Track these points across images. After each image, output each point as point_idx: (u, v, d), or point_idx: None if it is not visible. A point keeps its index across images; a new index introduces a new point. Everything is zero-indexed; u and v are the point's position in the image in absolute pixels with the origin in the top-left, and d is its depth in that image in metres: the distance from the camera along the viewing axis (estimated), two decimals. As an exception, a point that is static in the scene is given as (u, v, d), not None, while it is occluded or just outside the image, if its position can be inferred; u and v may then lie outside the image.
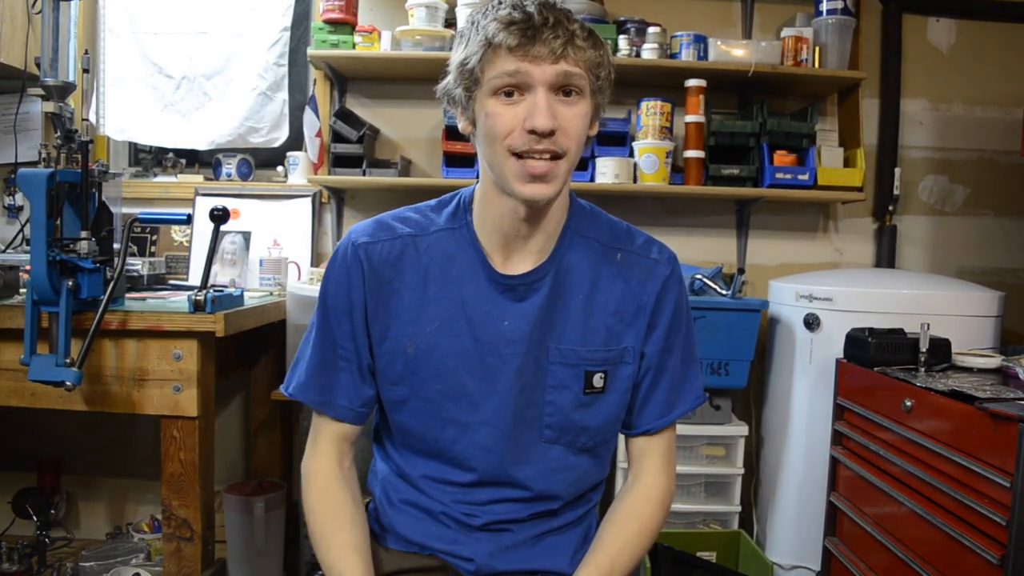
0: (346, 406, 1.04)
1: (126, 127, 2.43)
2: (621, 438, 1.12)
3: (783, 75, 2.25)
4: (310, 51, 2.24)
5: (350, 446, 1.07)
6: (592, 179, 2.27)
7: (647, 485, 1.06)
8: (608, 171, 2.25)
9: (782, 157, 2.27)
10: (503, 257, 1.01)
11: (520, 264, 1.01)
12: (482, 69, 0.91)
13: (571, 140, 0.91)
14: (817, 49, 2.29)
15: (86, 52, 1.61)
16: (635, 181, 2.29)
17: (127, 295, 1.81)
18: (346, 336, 1.03)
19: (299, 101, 2.50)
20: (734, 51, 2.25)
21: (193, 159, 2.57)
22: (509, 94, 0.90)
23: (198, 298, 1.60)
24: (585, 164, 2.26)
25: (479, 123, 0.94)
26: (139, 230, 2.44)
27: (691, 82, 2.27)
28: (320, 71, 2.42)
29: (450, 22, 2.27)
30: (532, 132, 0.88)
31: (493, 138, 0.91)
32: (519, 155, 0.90)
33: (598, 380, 1.02)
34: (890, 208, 2.47)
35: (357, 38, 2.22)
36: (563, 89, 0.90)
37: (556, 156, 0.90)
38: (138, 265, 2.06)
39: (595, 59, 0.92)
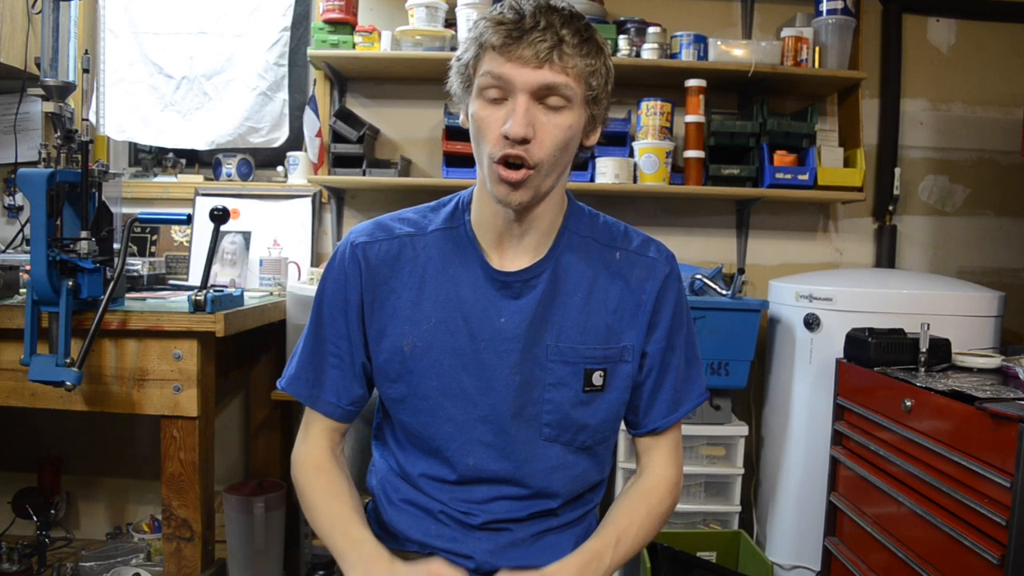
0: (334, 403, 1.06)
1: (126, 127, 2.43)
2: (621, 438, 1.13)
3: (783, 75, 2.25)
4: (310, 51, 2.24)
5: (341, 436, 1.10)
6: (592, 179, 2.27)
7: (656, 474, 1.08)
8: (608, 171, 2.25)
9: (782, 157, 2.27)
10: (499, 255, 1.01)
11: (516, 261, 1.01)
12: (473, 68, 0.92)
13: (544, 151, 0.90)
14: (817, 49, 2.29)
15: (86, 52, 1.61)
16: (635, 181, 2.29)
17: (127, 295, 1.81)
18: (340, 334, 1.04)
19: (299, 101, 2.51)
20: (734, 51, 2.25)
21: (193, 159, 2.57)
22: (495, 98, 0.90)
23: (198, 298, 1.60)
24: (585, 164, 2.26)
25: (469, 122, 0.95)
26: (139, 230, 2.44)
27: (691, 82, 2.27)
28: (320, 71, 2.42)
29: (450, 22, 2.27)
30: (506, 137, 0.89)
31: (478, 138, 0.93)
32: (497, 161, 0.91)
33: (597, 378, 1.02)
34: (890, 208, 2.48)
35: (357, 38, 2.23)
36: (548, 100, 0.90)
37: (528, 166, 0.90)
38: (138, 265, 2.06)
39: (586, 68, 0.90)
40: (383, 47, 2.23)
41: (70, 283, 1.51)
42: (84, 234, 1.55)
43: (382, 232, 1.04)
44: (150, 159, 2.57)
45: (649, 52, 2.25)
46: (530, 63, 0.87)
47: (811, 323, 2.04)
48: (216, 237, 1.67)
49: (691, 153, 2.29)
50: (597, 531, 1.03)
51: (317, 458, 1.06)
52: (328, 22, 2.24)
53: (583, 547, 0.99)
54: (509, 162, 0.90)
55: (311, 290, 1.98)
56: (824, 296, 2.03)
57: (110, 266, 1.62)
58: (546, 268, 1.01)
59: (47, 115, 1.57)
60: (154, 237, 2.46)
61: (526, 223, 0.99)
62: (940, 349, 1.68)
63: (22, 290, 1.73)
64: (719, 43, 2.25)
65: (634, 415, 1.09)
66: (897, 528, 1.58)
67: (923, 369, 1.64)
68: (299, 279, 2.30)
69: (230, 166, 2.49)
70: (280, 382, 1.09)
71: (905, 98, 2.49)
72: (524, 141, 0.88)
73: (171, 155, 2.55)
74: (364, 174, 2.25)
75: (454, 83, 0.97)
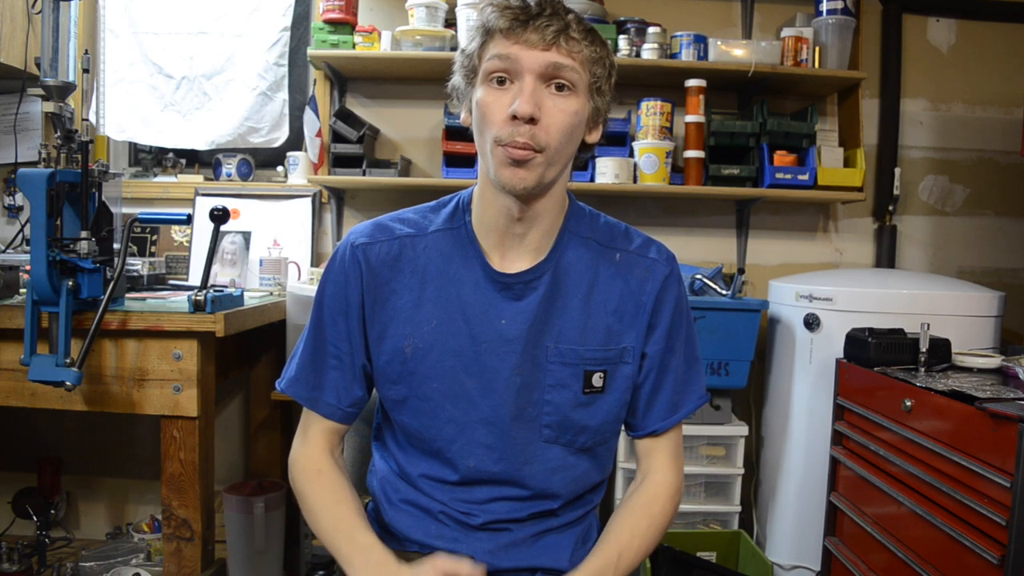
0: (334, 404, 1.05)
1: (126, 127, 2.43)
2: (621, 439, 1.12)
3: (783, 75, 2.25)
4: (310, 51, 2.24)
5: (340, 439, 1.10)
6: (592, 179, 2.27)
7: (656, 482, 1.07)
8: (608, 171, 2.25)
9: (782, 157, 2.27)
10: (500, 255, 1.01)
11: (517, 262, 1.01)
12: (479, 55, 0.93)
13: (551, 135, 0.90)
14: (817, 49, 2.29)
15: (86, 52, 1.61)
16: (635, 181, 2.29)
17: (127, 295, 1.81)
18: (340, 336, 1.04)
19: (299, 101, 2.51)
20: (734, 51, 2.25)
21: (193, 159, 2.57)
22: (501, 82, 0.91)
23: (198, 298, 1.60)
24: (585, 164, 2.26)
25: (473, 112, 0.95)
26: (139, 230, 2.44)
27: (691, 82, 2.27)
28: (320, 71, 2.42)
29: (450, 22, 2.27)
30: (514, 117, 0.89)
31: (481, 125, 0.93)
32: (503, 144, 0.90)
33: (597, 380, 1.02)
34: (890, 208, 2.48)
35: (357, 38, 2.23)
36: (555, 82, 0.90)
37: (535, 150, 0.90)
38: (138, 265, 2.06)
39: (591, 55, 0.92)
40: (383, 47, 2.23)
41: (70, 283, 1.51)
42: (84, 234, 1.55)
43: (382, 233, 1.03)
44: (150, 159, 2.57)
45: (649, 52, 2.25)
46: (537, 46, 0.89)
47: (811, 323, 2.04)
48: (216, 237, 1.67)
49: (691, 153, 2.29)
50: (598, 545, 1.02)
51: (317, 461, 1.06)
52: (328, 22, 2.24)
53: (585, 563, 0.99)
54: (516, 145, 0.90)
55: (311, 290, 1.98)
56: (824, 296, 2.03)
57: (110, 266, 1.62)
58: (547, 269, 1.01)
59: (47, 115, 1.56)
60: (154, 237, 2.46)
61: (528, 221, 0.98)
62: (940, 349, 1.68)
63: (22, 290, 1.73)
64: (719, 43, 2.25)
65: (633, 417, 1.08)
66: (897, 528, 1.58)
67: (923, 369, 1.64)
68: (299, 279, 2.30)
69: (230, 166, 2.49)
70: (279, 383, 1.09)
71: (905, 98, 2.49)
72: (531, 121, 0.88)
73: (171, 155, 2.54)
74: (364, 174, 2.25)
75: (458, 77, 0.97)
